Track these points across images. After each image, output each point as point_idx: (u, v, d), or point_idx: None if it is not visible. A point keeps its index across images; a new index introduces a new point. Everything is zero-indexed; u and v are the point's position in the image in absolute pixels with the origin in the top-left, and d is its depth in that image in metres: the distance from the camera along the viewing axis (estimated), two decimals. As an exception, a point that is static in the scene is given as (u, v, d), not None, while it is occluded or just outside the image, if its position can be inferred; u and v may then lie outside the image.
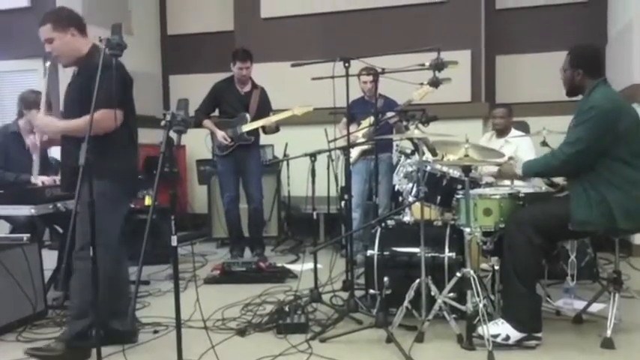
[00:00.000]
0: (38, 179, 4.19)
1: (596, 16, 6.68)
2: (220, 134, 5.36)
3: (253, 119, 5.40)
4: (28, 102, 4.44)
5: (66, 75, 6.74)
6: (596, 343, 3.16)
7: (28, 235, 3.84)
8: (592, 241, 4.27)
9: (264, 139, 5.75)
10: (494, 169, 4.68)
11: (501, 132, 5.25)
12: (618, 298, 3.25)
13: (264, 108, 5.51)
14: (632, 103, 4.54)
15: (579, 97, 3.28)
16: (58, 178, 4.48)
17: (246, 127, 5.38)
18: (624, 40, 5.80)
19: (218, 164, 5.65)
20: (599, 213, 3.04)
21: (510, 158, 3.86)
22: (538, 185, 4.15)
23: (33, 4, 6.72)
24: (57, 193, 3.91)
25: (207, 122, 5.46)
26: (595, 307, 3.60)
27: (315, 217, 4.13)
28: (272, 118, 5.36)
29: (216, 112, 5.59)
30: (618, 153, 3.07)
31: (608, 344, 3.11)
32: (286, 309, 3.62)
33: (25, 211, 3.77)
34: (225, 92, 5.50)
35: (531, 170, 3.39)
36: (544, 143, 4.02)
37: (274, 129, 5.48)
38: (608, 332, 3.13)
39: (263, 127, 5.44)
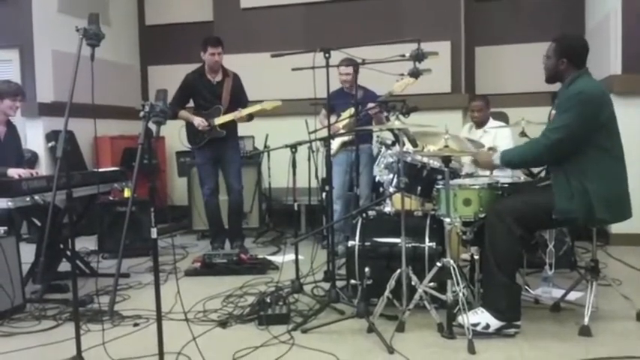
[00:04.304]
0: (14, 172, 4.13)
1: (574, 8, 6.76)
2: (197, 120, 5.29)
3: (227, 109, 5.32)
4: (1, 92, 4.37)
5: (42, 69, 6.62)
6: (573, 331, 3.20)
7: (6, 228, 3.80)
8: (570, 231, 4.32)
9: (244, 130, 5.68)
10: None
11: (480, 123, 5.27)
12: (595, 286, 3.29)
13: (238, 95, 5.42)
14: (609, 93, 4.58)
15: (558, 85, 3.30)
16: (34, 171, 4.42)
17: (218, 121, 5.32)
18: (602, 32, 5.86)
19: (196, 156, 5.59)
20: (579, 203, 3.06)
21: (490, 149, 3.88)
22: (517, 175, 4.19)
23: (6, -5, 6.59)
24: (34, 186, 3.86)
25: (182, 112, 5.39)
26: (573, 296, 3.65)
27: (296, 208, 4.14)
28: (243, 112, 5.27)
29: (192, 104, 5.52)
30: (600, 142, 3.09)
31: (585, 332, 3.15)
32: (268, 300, 3.62)
33: (2, 204, 3.70)
34: (196, 83, 5.39)
35: (512, 160, 3.31)
36: (523, 134, 4.06)
37: (245, 118, 5.40)
38: (586, 320, 3.17)
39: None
